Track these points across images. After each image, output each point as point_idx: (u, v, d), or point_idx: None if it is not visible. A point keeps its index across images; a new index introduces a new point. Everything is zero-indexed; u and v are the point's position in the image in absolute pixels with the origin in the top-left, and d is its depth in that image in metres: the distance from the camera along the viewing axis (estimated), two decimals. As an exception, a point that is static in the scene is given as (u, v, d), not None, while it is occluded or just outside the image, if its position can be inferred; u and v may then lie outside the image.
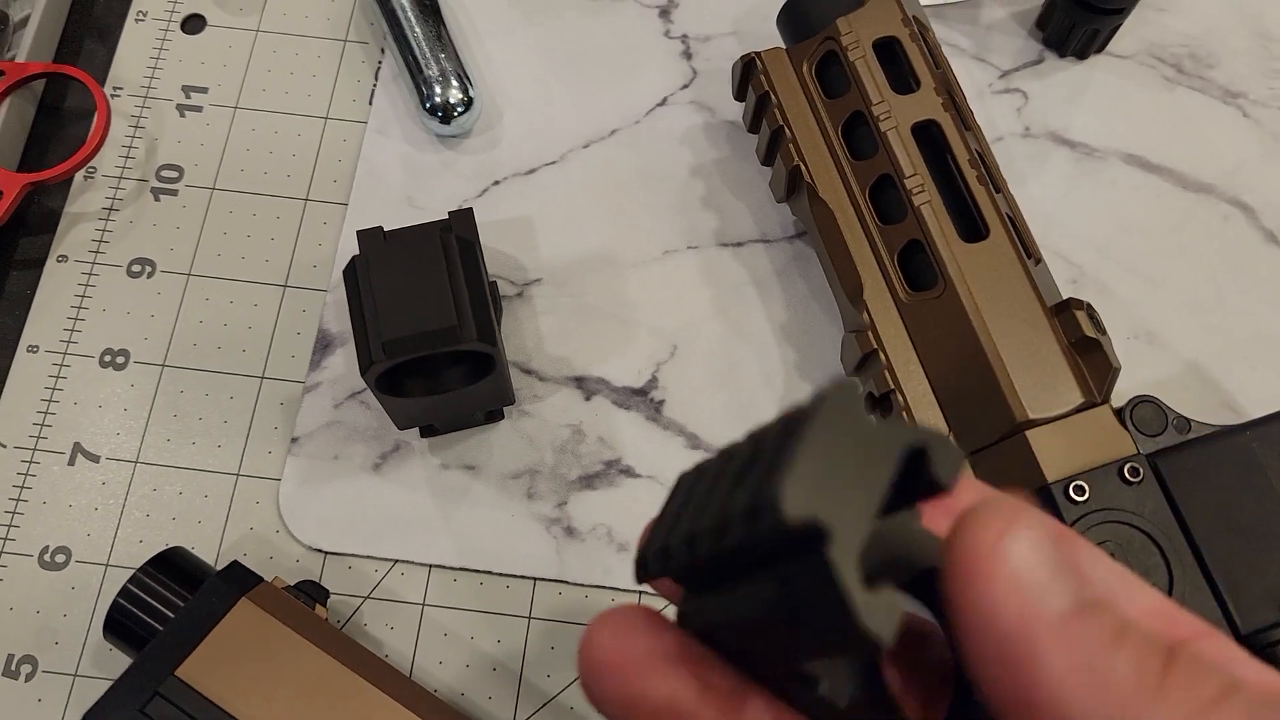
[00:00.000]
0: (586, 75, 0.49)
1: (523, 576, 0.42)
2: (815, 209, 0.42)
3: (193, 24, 0.50)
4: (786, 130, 0.43)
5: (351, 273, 0.36)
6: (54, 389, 0.44)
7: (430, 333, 0.35)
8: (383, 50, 0.50)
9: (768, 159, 0.45)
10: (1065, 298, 0.39)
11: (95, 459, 0.43)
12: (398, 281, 0.35)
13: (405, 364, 0.39)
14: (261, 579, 0.38)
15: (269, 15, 0.50)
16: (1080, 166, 0.48)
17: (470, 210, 0.40)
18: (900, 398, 0.39)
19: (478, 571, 0.42)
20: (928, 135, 0.42)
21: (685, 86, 0.49)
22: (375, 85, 0.49)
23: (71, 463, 0.43)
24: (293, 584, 0.39)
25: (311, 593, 0.39)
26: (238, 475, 0.43)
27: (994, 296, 0.39)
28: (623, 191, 0.47)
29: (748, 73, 0.44)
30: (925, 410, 0.39)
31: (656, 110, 0.49)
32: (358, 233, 0.40)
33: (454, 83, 0.46)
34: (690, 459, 0.43)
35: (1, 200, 0.44)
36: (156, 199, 0.47)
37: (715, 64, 0.49)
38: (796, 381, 0.44)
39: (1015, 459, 0.37)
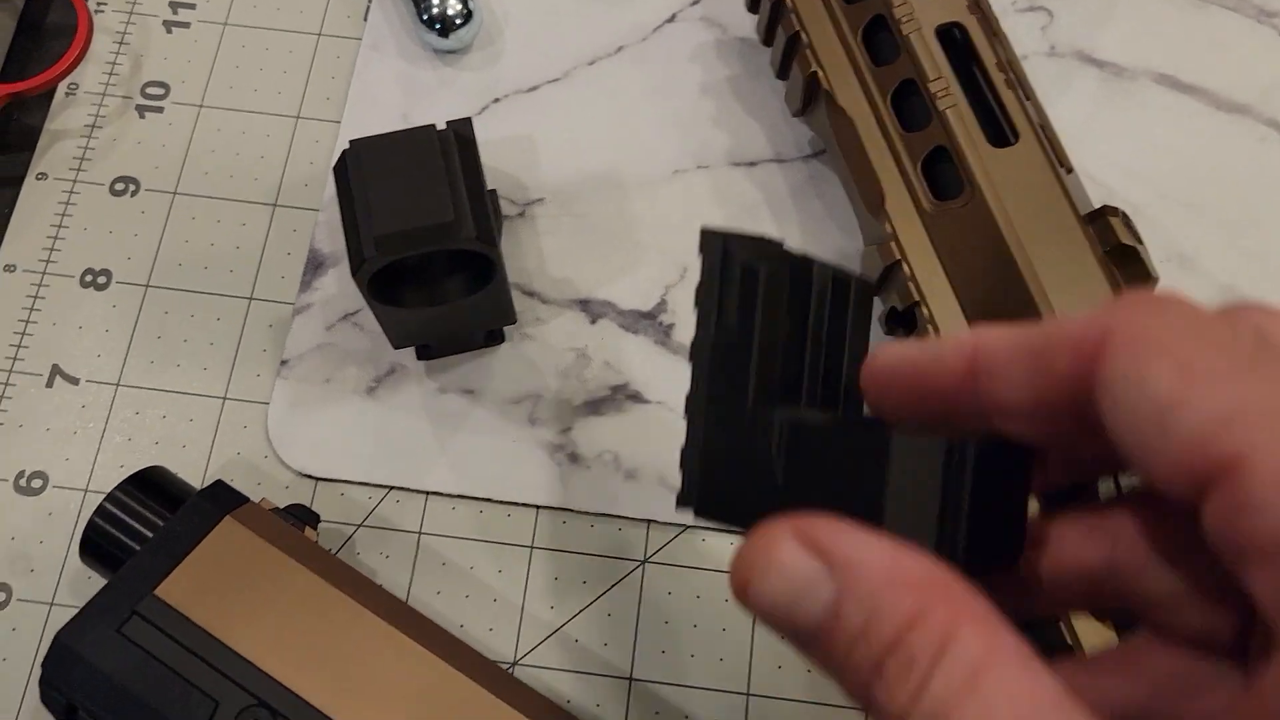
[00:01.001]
0: (592, -9, 0.47)
1: (525, 504, 0.40)
2: (834, 118, 0.40)
3: (180, -62, 0.48)
4: (803, 35, 0.40)
5: (342, 169, 0.34)
6: (31, 309, 0.42)
7: (426, 228, 0.33)
8: (379, -34, 0.47)
9: (783, 70, 0.43)
10: (1100, 206, 0.37)
11: (75, 381, 0.41)
12: (392, 178, 0.33)
13: (401, 272, 0.37)
14: (247, 499, 0.36)
15: (260, -70, 0.48)
16: (1108, 87, 0.46)
17: (468, 120, 0.38)
18: (925, 310, 0.37)
19: (477, 499, 0.40)
20: (951, 40, 0.39)
21: (695, 3, 0.47)
22: (370, 1, 0.47)
23: (49, 385, 0.41)
24: (281, 507, 0.37)
25: (301, 516, 0.37)
26: (224, 399, 0.41)
27: (1024, 204, 0.37)
28: (630, 110, 0.45)
29: (761, -22, 0.42)
30: (951, 323, 0.37)
31: (665, 27, 0.46)
32: (350, 142, 0.38)
33: (453, -7, 0.44)
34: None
35: (-23, 111, 0.42)
36: (141, 116, 0.45)
37: (727, -21, 0.47)
38: (812, 304, 0.42)
39: (1047, 371, 0.35)
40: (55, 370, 0.41)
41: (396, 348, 0.40)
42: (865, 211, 0.39)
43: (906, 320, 0.38)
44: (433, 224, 0.33)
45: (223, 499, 0.36)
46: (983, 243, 0.37)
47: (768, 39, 0.43)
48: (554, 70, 0.46)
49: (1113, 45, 0.46)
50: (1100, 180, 0.44)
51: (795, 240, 0.43)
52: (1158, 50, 0.46)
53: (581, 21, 0.46)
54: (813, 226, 0.43)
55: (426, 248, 0.33)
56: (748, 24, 0.46)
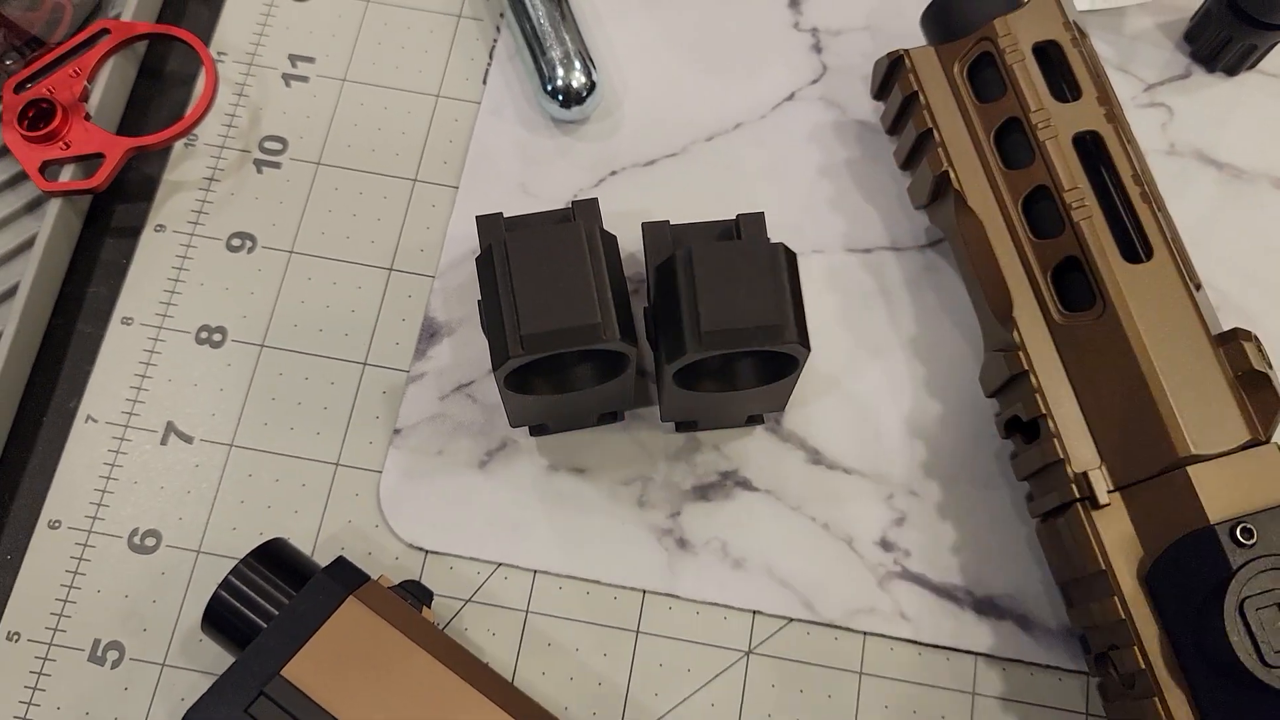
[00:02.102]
0: (711, 65, 0.47)
1: (632, 588, 0.40)
2: (962, 218, 0.40)
3: (301, -10, 0.48)
4: (935, 133, 0.40)
5: (488, 259, 0.34)
6: (148, 364, 0.42)
7: (572, 329, 0.33)
8: (498, 29, 0.47)
9: (908, 163, 0.43)
10: (1231, 328, 0.37)
11: (189, 440, 0.41)
12: (539, 272, 0.33)
13: (535, 362, 0.37)
14: (369, 577, 0.36)
15: (381, -15, 0.48)
16: (1227, 189, 0.45)
17: (595, 201, 0.38)
18: (1051, 424, 0.37)
19: (585, 580, 0.40)
20: (1084, 148, 0.39)
21: (815, 81, 0.47)
22: (490, 64, 0.47)
23: (164, 442, 0.41)
24: (396, 583, 0.37)
25: (417, 593, 0.37)
26: (337, 465, 0.41)
27: (1157, 321, 0.37)
28: (746, 187, 0.45)
29: (893, 70, 0.42)
30: (1077, 439, 0.37)
31: (783, 105, 0.46)
32: (478, 218, 0.38)
33: (577, 65, 0.44)
34: (811, 474, 0.41)
35: (103, 164, 0.42)
36: (259, 171, 0.45)
37: (846, 59, 0.47)
38: (925, 398, 0.42)
39: (1175, 495, 0.35)
40: (170, 428, 0.41)
41: (514, 426, 0.40)
42: (991, 317, 0.39)
43: (1030, 430, 0.38)
44: (579, 325, 0.33)
45: (346, 577, 0.36)
46: (1113, 359, 0.37)
47: (894, 129, 0.43)
48: (672, 145, 0.46)
49: (1232, 146, 0.46)
50: (1215, 285, 0.44)
51: (910, 330, 0.43)
52: (1276, 152, 0.46)
53: (701, 96, 0.46)
54: (927, 319, 0.43)
55: (572, 347, 0.33)
56: (866, 106, 0.46)
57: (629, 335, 0.34)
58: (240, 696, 0.33)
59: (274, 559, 0.37)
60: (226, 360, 0.42)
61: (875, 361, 0.43)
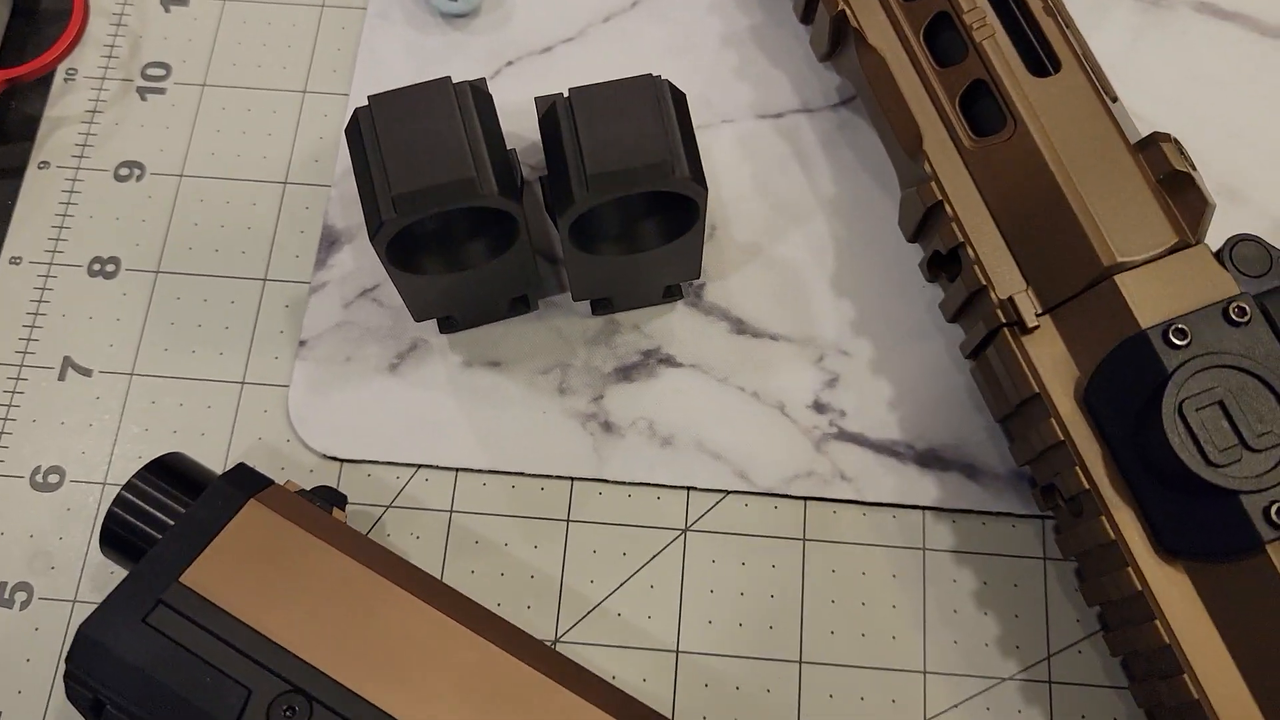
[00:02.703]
0: (602, -53, 0.45)
1: (559, 477, 0.38)
2: (864, 58, 0.38)
3: (175, -84, 0.46)
4: (827, -27, 0.39)
5: (355, 129, 0.33)
6: (40, 301, 0.41)
7: (447, 185, 0.31)
8: (380, -67, 0.46)
9: (807, 14, 0.41)
10: (1150, 133, 0.35)
11: (87, 373, 0.40)
12: (408, 134, 0.32)
13: (421, 238, 0.35)
14: (271, 481, 0.34)
15: (257, -97, 0.46)
16: (1146, 17, 0.44)
17: (482, 80, 0.36)
18: (970, 251, 0.35)
19: (509, 474, 0.38)
20: (984, -29, 0.38)
21: (710, -47, 0.45)
22: (374, -31, 0.45)
23: (62, 378, 0.40)
24: (307, 490, 0.35)
25: (328, 497, 0.36)
26: (242, 383, 0.39)
27: (1070, 134, 0.35)
28: (649, 66, 0.43)
29: (780, -82, 0.40)
30: (999, 263, 0.35)
31: (680, -21, 0.45)
32: (356, 110, 0.36)
33: (459, -47, 0.42)
34: (737, 345, 0.39)
35: (-26, 99, 0.41)
36: (143, 99, 0.43)
37: (741, -72, 0.45)
38: (847, 258, 0.40)
39: (1104, 307, 0.33)
40: (67, 362, 0.40)
41: (418, 320, 0.38)
42: (902, 154, 0.37)
43: (951, 262, 0.37)
44: (454, 180, 0.31)
45: (246, 482, 0.34)
46: (1028, 178, 0.35)
47: (788, -17, 0.42)
48: (568, 29, 0.44)
49: (1147, -25, 0.44)
50: (1141, 114, 0.42)
51: (828, 191, 0.41)
52: (1195, -23, 0.44)
53: (593, -22, 0.45)
54: (846, 177, 0.42)
55: (448, 205, 0.31)
56: (765, -28, 0.44)
57: (510, 192, 0.32)
58: (137, 607, 0.31)
59: (171, 472, 0.35)
60: (122, 290, 0.41)
61: (795, 226, 0.41)
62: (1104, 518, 0.32)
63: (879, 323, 0.40)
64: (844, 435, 0.38)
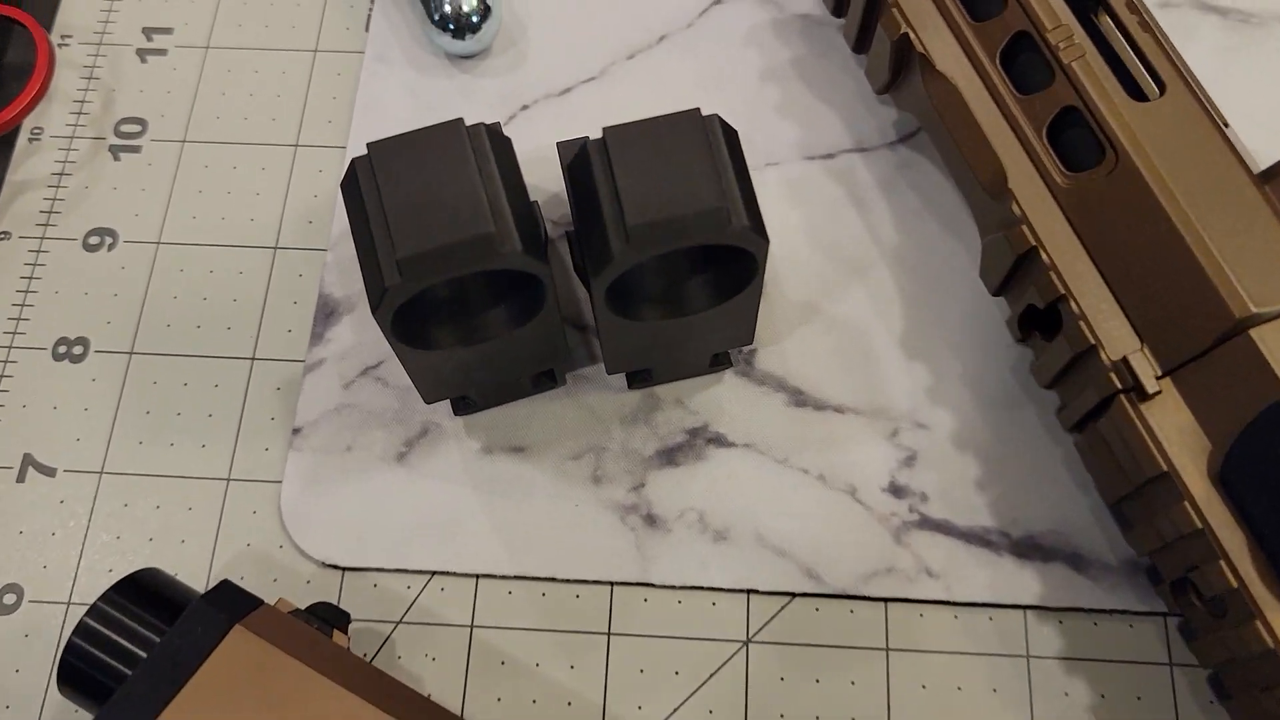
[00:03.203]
0: (624, -23, 0.41)
1: (597, 581, 0.33)
2: (933, 86, 0.33)
3: (152, -41, 0.42)
4: (887, -7, 0.34)
5: (353, 182, 0.28)
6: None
7: (461, 244, 0.26)
8: (378, -31, 0.41)
9: (861, 42, 0.36)
10: (1276, 161, 0.30)
11: (50, 472, 0.34)
12: (415, 185, 0.27)
13: (431, 306, 0.30)
14: (260, 601, 0.29)
15: (241, -58, 0.42)
16: (1235, 35, 0.39)
17: (496, 124, 0.32)
18: (1074, 305, 0.30)
19: (538, 579, 0.33)
20: (1065, -16, 0.33)
21: (744, -20, 0.40)
22: (372, 7, 0.41)
23: (21, 479, 0.34)
24: (303, 608, 0.30)
25: (327, 616, 0.30)
26: (228, 480, 0.34)
27: (1182, 166, 0.30)
28: (679, 105, 0.38)
29: (828, -65, 0.36)
30: (1107, 318, 0.30)
31: (711, 9, 0.40)
32: (353, 160, 0.31)
33: (466, -13, 0.38)
34: (796, 419, 0.34)
35: (-77, 165, 0.36)
36: (116, 158, 0.39)
37: (778, -49, 0.41)
38: (918, 315, 0.35)
39: (1239, 367, 0.28)
40: (27, 460, 0.35)
41: (429, 402, 0.33)
42: (983, 195, 0.32)
43: (1049, 319, 0.31)
44: (469, 238, 0.26)
45: (231, 603, 0.29)
46: (1137, 217, 0.30)
47: (839, 9, 0.37)
48: (589, 68, 0.39)
49: (1236, -12, 0.39)
50: (1243, 141, 0.37)
51: (891, 239, 0.36)
52: (1288, -10, 0.39)
53: (616, 10, 0.40)
54: (910, 222, 0.36)
55: (463, 269, 0.26)
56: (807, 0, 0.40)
57: (535, 250, 0.27)
58: (98, 764, 0.26)
59: (143, 593, 0.30)
60: (90, 375, 0.36)
61: (856, 280, 0.36)
62: (1259, 622, 0.27)
63: (959, 389, 0.34)
64: (927, 523, 0.33)
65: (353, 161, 0.28)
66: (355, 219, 0.28)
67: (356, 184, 0.27)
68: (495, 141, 0.28)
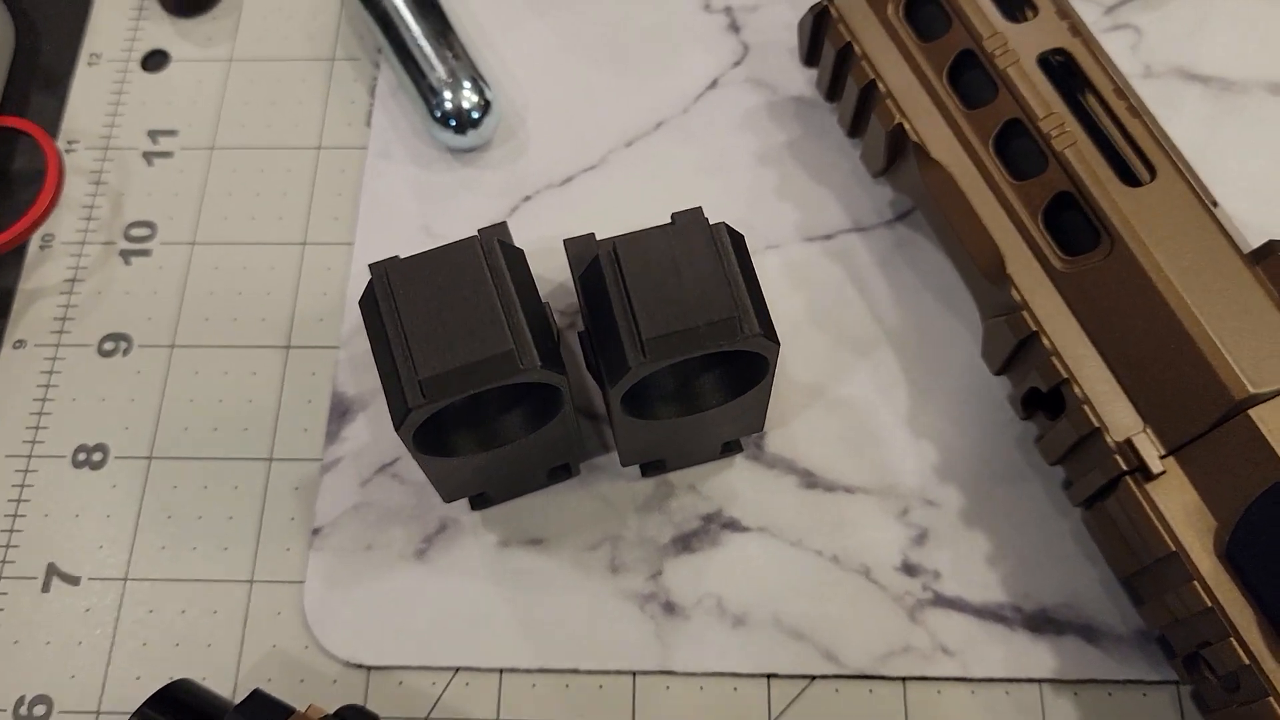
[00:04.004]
0: (618, 65, 0.42)
1: (619, 672, 0.33)
2: (928, 174, 0.34)
3: (154, 61, 0.43)
4: (879, 84, 0.35)
5: (371, 303, 0.28)
6: (19, 501, 0.36)
7: (482, 363, 0.27)
8: (377, 64, 0.42)
9: (855, 128, 0.37)
10: (1263, 242, 0.31)
11: (75, 581, 0.35)
12: (433, 305, 0.27)
13: (450, 414, 0.31)
14: (292, 709, 0.29)
15: (242, 42, 0.43)
16: (1219, 104, 0.40)
17: (504, 225, 0.32)
18: (1076, 389, 0.31)
19: (561, 671, 0.33)
20: (1052, 71, 0.34)
21: (737, 64, 0.41)
22: (373, 104, 0.41)
23: (46, 589, 0.35)
24: (332, 712, 0.31)
25: (356, 718, 0.31)
26: (251, 582, 0.35)
27: (1176, 249, 0.31)
28: (680, 189, 0.39)
29: (820, 27, 0.37)
30: (1111, 402, 0.31)
31: (707, 94, 0.41)
32: (371, 267, 0.32)
33: (466, 84, 0.38)
34: (808, 501, 0.35)
35: (-62, 280, 0.37)
36: (127, 262, 0.39)
37: (768, 34, 0.42)
38: (923, 392, 0.36)
39: (1240, 446, 0.29)
40: (51, 570, 0.35)
41: (448, 501, 0.33)
42: (981, 280, 0.33)
43: (1053, 402, 0.32)
44: (490, 356, 0.27)
45: (264, 714, 0.29)
46: (1133, 300, 0.31)
47: (832, 94, 0.38)
48: (589, 157, 0.40)
49: (1214, 58, 0.41)
50: (1230, 210, 0.38)
51: (891, 318, 0.37)
52: (1266, 57, 0.40)
53: (613, 100, 0.41)
54: (909, 300, 0.37)
55: (483, 385, 0.27)
56: (799, 80, 0.41)
57: (553, 362, 0.28)
58: None
59: (176, 706, 0.30)
60: (110, 481, 0.36)
61: (859, 360, 0.37)
62: (1272, 699, 0.28)
63: (966, 466, 0.35)
64: (941, 600, 0.34)
65: (371, 280, 0.28)
66: (375, 337, 0.28)
67: (375, 304, 0.28)
68: (509, 255, 0.29)
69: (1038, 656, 0.33)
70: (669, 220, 0.31)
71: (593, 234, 0.34)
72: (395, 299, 0.28)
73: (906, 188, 0.36)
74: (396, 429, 0.28)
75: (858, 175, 0.39)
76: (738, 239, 0.29)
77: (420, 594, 0.34)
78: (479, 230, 0.32)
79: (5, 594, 0.35)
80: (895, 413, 0.36)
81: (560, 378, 0.28)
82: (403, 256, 0.28)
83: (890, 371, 0.36)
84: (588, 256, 0.34)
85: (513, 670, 0.33)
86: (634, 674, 0.33)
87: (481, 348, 0.27)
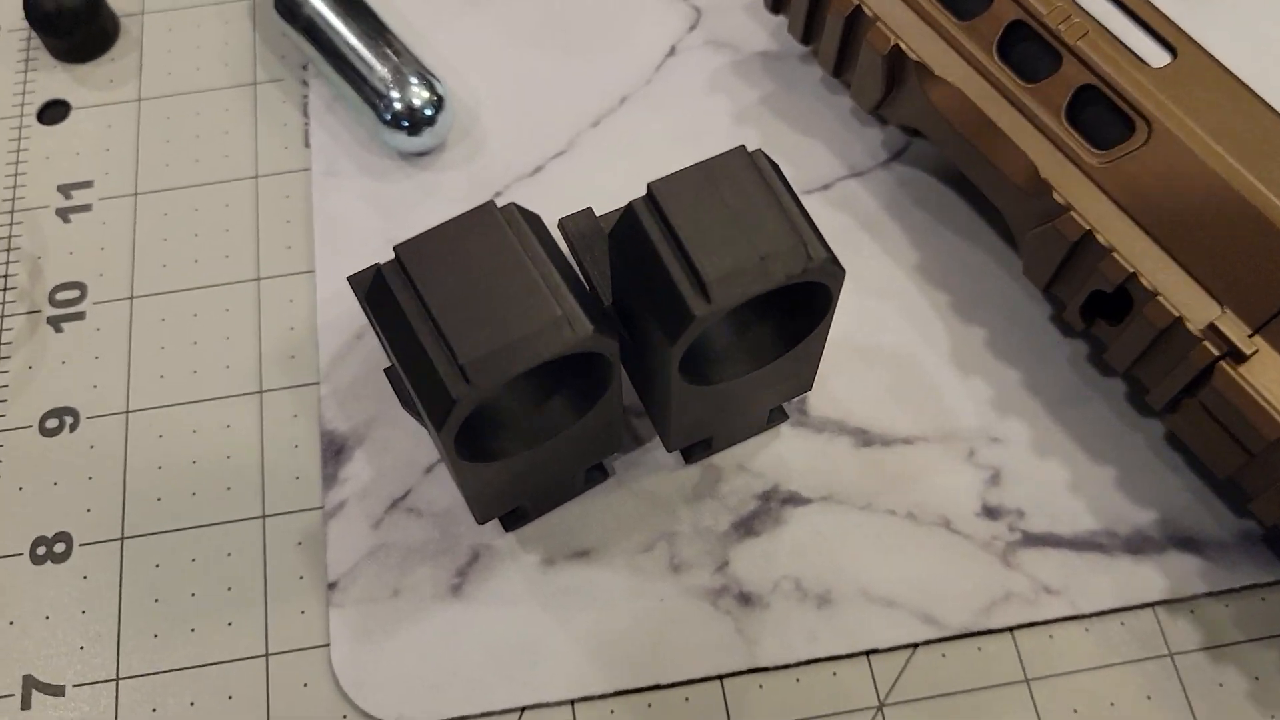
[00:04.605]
0: (566, 46, 0.39)
1: (703, 679, 0.30)
2: (935, 93, 0.32)
3: (52, 113, 0.39)
4: (865, 9, 0.33)
5: (383, 296, 0.25)
6: (-26, 613, 0.31)
7: (529, 337, 0.23)
8: (304, 82, 0.39)
9: (841, 65, 0.35)
10: (1299, 103, 0.30)
11: (58, 691, 0.30)
12: (460, 282, 0.24)
13: (485, 416, 0.27)
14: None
15: (149, 80, 0.39)
16: None
17: (491, 203, 0.29)
18: (1144, 283, 0.29)
19: (639, 691, 0.30)
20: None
21: (692, 28, 0.39)
22: (307, 123, 0.38)
23: (26, 705, 0.30)
24: (397, 781, 0.26)
25: (428, 785, 0.26)
26: (266, 656, 0.30)
27: (1217, 121, 0.29)
28: (656, 163, 0.37)
29: (788, -37, 0.35)
30: (1181, 290, 0.29)
31: (666, 63, 0.38)
32: (350, 279, 0.29)
33: (413, 81, 0.35)
34: (868, 461, 0.32)
35: None
36: (58, 329, 0.35)
37: (719, -6, 0.39)
38: (961, 328, 0.34)
39: (1333, 311, 0.27)
40: (29, 683, 0.30)
41: (483, 521, 0.30)
42: (1014, 192, 0.31)
43: (1119, 303, 0.30)
44: (539, 328, 0.23)
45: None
46: (1182, 182, 0.29)
47: (808, 35, 0.36)
48: (556, 143, 0.37)
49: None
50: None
51: (911, 258, 0.35)
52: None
53: (568, 83, 0.38)
54: (925, 238, 0.35)
55: (534, 362, 0.24)
56: (760, 35, 0.39)
57: (605, 325, 0.25)
58: None
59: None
60: (80, 572, 0.31)
61: (887, 306, 0.34)
62: None
63: (1023, 397, 0.33)
64: (1031, 539, 0.31)
65: (379, 269, 0.25)
66: (392, 334, 0.25)
67: (388, 294, 0.24)
68: (528, 219, 0.26)
69: (1145, 579, 0.30)
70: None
71: (589, 208, 0.31)
72: (414, 283, 0.24)
73: (909, 116, 0.34)
74: (437, 429, 0.24)
75: (843, 120, 0.37)
76: (775, 166, 0.26)
77: (464, 634, 0.30)
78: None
79: (-25, 723, 0.30)
80: (937, 353, 0.33)
81: (614, 343, 0.25)
82: (410, 237, 0.25)
83: (922, 313, 0.34)
84: (591, 230, 0.31)
85: (585, 699, 0.30)
86: (720, 678, 0.30)
87: (526, 320, 0.24)
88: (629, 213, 0.25)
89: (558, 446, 0.28)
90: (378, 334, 0.26)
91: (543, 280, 0.24)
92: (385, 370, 0.30)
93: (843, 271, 0.26)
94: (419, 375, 0.24)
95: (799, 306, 0.28)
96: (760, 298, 0.28)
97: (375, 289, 0.25)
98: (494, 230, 0.25)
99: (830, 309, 0.27)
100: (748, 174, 0.25)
